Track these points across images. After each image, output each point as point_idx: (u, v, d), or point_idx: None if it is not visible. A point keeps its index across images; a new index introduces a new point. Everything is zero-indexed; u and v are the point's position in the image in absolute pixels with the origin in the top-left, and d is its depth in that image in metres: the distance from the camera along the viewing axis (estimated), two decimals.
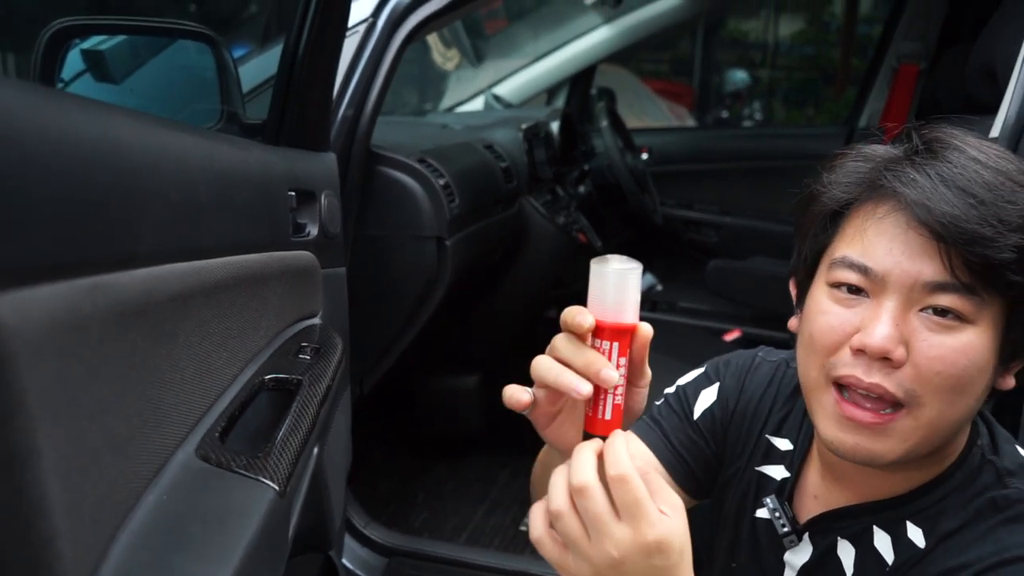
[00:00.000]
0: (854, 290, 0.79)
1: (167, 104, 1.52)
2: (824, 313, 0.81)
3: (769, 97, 9.12)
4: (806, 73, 9.29)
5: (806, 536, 0.93)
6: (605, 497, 0.67)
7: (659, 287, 3.39)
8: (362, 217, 1.83)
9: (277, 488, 0.84)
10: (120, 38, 1.47)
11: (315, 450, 1.12)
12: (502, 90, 3.43)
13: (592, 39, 3.33)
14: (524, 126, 2.72)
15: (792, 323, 0.91)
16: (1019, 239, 0.72)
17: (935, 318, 0.75)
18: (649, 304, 3.22)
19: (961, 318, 0.75)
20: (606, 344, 0.71)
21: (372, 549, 1.96)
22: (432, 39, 3.65)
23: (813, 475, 0.96)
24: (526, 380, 0.77)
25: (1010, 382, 0.81)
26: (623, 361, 0.71)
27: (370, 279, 1.85)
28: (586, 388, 0.70)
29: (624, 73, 6.74)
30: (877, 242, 0.77)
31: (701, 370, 1.08)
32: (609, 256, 0.71)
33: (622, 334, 0.71)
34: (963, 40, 2.17)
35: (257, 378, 1.01)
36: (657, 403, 1.08)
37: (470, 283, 2.31)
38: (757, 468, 1.00)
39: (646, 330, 0.73)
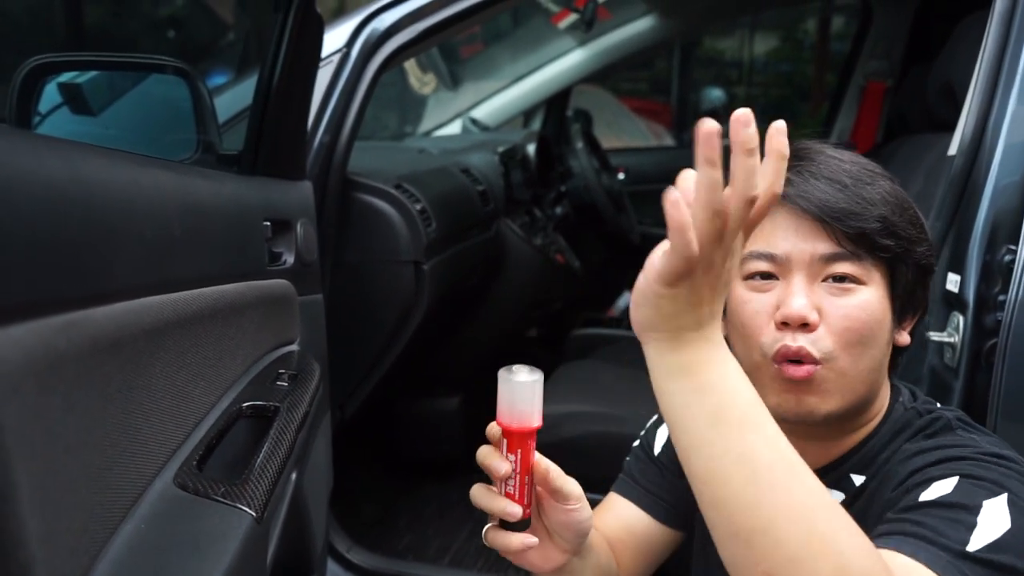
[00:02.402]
0: (766, 276, 0.91)
1: (145, 136, 1.53)
2: (746, 302, 0.92)
3: None
4: (782, 90, 9.40)
5: None
6: None
7: None
8: (340, 243, 1.85)
9: (254, 514, 0.85)
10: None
11: (293, 476, 1.13)
12: (479, 113, 3.46)
13: (566, 62, 3.38)
14: (500, 149, 2.74)
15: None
16: (881, 212, 0.89)
17: (835, 284, 0.89)
18: (627, 323, 3.24)
19: (855, 280, 0.89)
20: (505, 442, 0.84)
21: (355, 573, 1.95)
22: (409, 64, 3.69)
23: None
24: None
25: (904, 338, 0.95)
26: (512, 458, 0.84)
27: (349, 305, 1.87)
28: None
29: (602, 93, 6.81)
30: (775, 233, 0.91)
31: (656, 415, 1.17)
32: (515, 367, 0.82)
33: (513, 435, 0.83)
34: (927, 58, 2.22)
35: (235, 406, 1.02)
36: (627, 458, 1.17)
37: (449, 306, 2.33)
38: None
39: (543, 466, 0.86)
